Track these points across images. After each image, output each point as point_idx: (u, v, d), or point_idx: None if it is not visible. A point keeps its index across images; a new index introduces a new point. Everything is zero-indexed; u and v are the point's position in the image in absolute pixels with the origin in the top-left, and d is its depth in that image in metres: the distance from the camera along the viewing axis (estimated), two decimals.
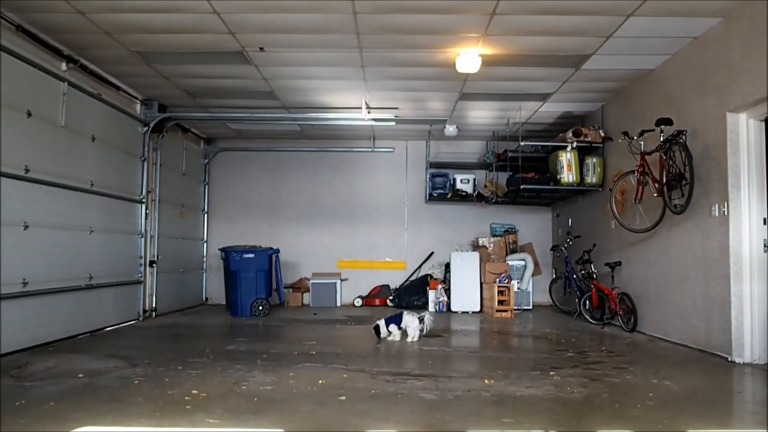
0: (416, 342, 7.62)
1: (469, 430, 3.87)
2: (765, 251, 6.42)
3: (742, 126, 6.56)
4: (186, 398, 4.67)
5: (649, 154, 7.82)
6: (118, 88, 9.17)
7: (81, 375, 5.53)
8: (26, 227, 6.82)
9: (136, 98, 9.88)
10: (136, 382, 5.27)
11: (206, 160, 13.14)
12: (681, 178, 7.13)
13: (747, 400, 5.18)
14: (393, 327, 7.81)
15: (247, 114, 10.85)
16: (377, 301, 12.62)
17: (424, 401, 4.64)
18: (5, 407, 4.35)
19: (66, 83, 7.68)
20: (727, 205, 6.54)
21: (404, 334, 7.82)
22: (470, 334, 8.81)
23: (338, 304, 12.56)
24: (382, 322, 7.86)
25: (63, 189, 7.63)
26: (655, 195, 7.65)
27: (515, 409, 4.44)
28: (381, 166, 13.40)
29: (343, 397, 4.68)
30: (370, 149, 13.25)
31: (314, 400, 4.66)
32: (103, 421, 4.02)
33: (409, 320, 7.81)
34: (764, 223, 6.45)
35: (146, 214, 10.05)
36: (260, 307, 10.68)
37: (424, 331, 7.91)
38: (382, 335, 7.82)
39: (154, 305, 10.28)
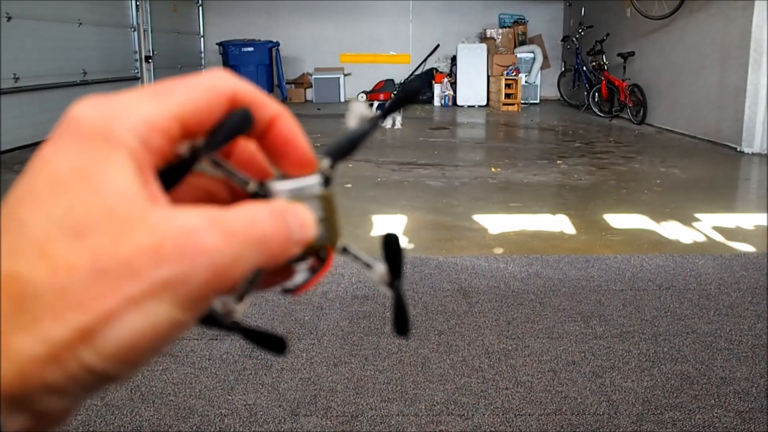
0: (405, 130, 7.56)
1: (476, 213, 3.88)
2: None
3: None
4: None
5: None
6: None
7: None
8: (9, 18, 6.43)
9: None
10: None
11: None
12: None
13: (753, 186, 5.18)
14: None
15: None
16: (381, 96, 12.35)
17: (430, 188, 4.63)
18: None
19: None
20: None
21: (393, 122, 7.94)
22: (476, 127, 8.71)
23: (342, 99, 12.34)
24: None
25: None
26: None
27: (522, 194, 4.45)
28: None
29: (349, 185, 4.68)
30: None
31: None
32: None
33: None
34: None
35: (137, 5, 9.49)
36: None
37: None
38: (386, 126, 7.81)
39: None
